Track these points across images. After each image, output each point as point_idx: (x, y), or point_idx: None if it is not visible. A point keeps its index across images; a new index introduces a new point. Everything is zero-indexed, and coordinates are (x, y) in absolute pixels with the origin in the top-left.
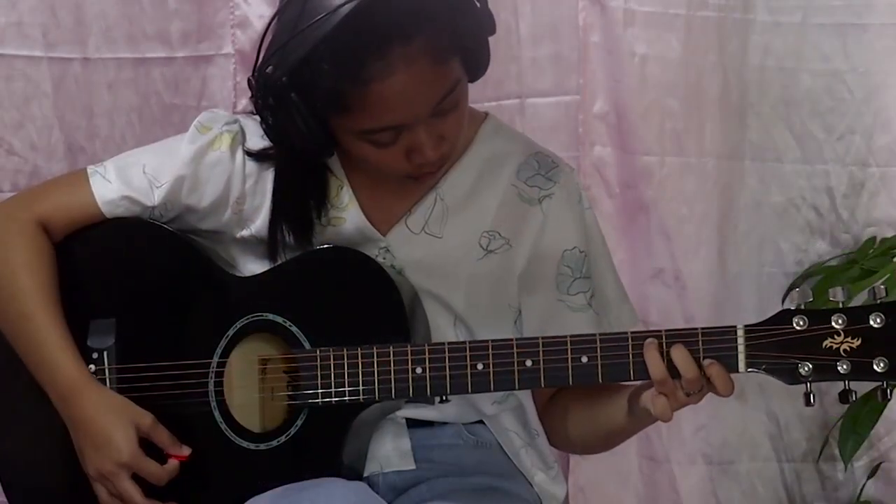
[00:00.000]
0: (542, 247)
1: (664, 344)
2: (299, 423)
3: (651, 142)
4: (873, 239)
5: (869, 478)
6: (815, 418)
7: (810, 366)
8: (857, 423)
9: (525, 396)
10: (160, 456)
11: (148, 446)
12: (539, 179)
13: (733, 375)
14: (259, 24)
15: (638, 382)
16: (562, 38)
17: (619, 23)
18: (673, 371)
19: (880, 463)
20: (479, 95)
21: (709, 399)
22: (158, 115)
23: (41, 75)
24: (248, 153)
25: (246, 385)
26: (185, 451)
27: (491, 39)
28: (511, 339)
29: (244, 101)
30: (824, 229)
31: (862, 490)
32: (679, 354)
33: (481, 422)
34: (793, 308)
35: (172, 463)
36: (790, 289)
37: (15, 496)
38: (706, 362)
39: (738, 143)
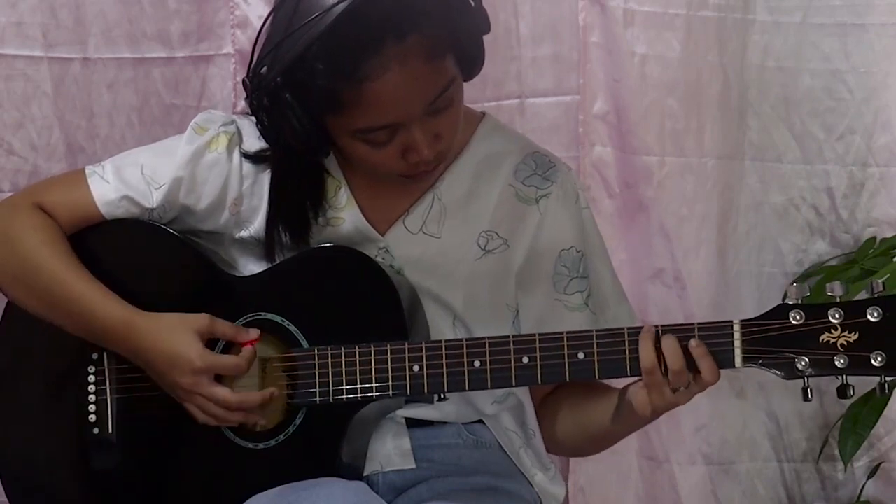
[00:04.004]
0: (539, 246)
1: (662, 363)
2: (298, 422)
3: (651, 142)
4: (873, 239)
5: (869, 478)
6: (815, 418)
7: (807, 360)
8: (857, 423)
9: (525, 395)
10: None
11: None
12: (536, 179)
13: (732, 371)
14: (259, 25)
15: (633, 379)
16: (562, 38)
17: (619, 23)
18: (663, 365)
19: (880, 463)
20: (478, 95)
21: (709, 399)
22: (158, 115)
23: (41, 75)
24: (245, 154)
25: (245, 384)
26: (254, 333)
27: (491, 39)
28: (508, 337)
29: (244, 102)
30: (824, 229)
31: (862, 490)
32: (668, 343)
33: (481, 421)
34: (790, 303)
35: (247, 349)
36: None
37: (15, 495)
38: (692, 343)
39: (738, 143)
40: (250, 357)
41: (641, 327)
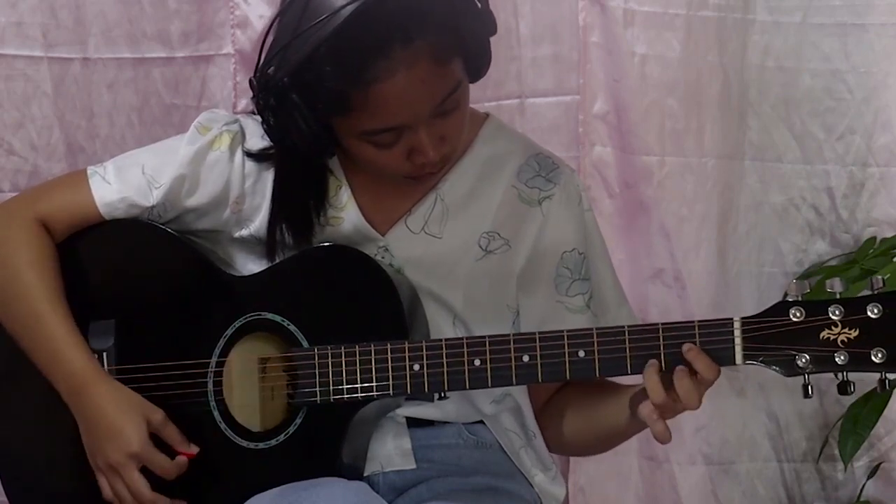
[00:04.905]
0: (541, 247)
1: (662, 353)
2: (298, 421)
3: (651, 142)
4: (873, 239)
5: (869, 478)
6: (815, 418)
7: (808, 357)
8: (857, 423)
9: (523, 397)
10: (168, 454)
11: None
12: (539, 181)
13: (732, 370)
14: (259, 24)
15: (636, 377)
16: (562, 38)
17: (619, 23)
18: (671, 387)
19: (880, 463)
20: (479, 95)
21: (709, 399)
22: (158, 115)
23: (41, 75)
24: (248, 153)
25: (245, 384)
26: (194, 449)
27: (491, 39)
28: (508, 335)
29: (244, 101)
30: (824, 229)
31: (862, 490)
32: (681, 384)
33: (482, 422)
34: (790, 300)
35: (181, 458)
36: None
37: (15, 495)
38: (684, 348)
39: (738, 143)
40: (181, 467)
41: (642, 325)
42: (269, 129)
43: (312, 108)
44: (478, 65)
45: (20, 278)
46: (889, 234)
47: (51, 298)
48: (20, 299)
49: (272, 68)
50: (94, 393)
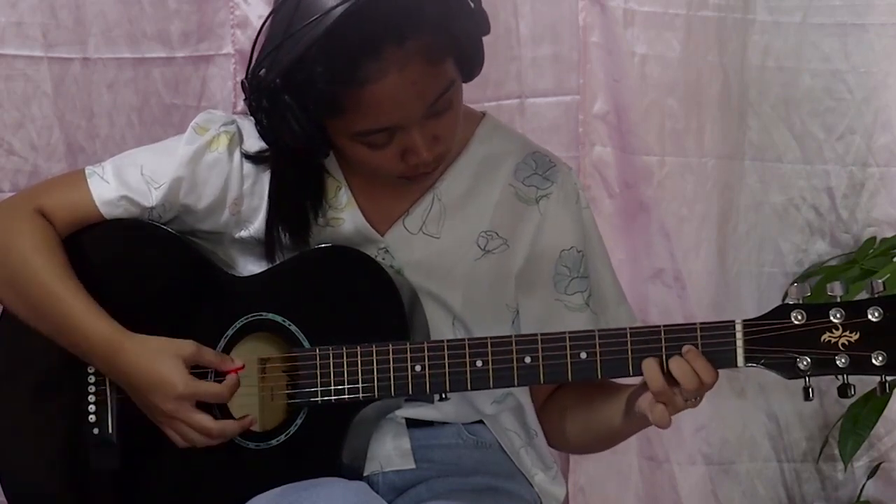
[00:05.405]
0: (539, 246)
1: (664, 355)
2: (299, 422)
3: (651, 142)
4: (873, 239)
5: (869, 478)
6: (815, 418)
7: (809, 360)
8: (857, 423)
9: (524, 396)
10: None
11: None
12: (536, 179)
13: (732, 371)
14: (259, 25)
15: (637, 379)
16: (562, 38)
17: (619, 23)
18: (671, 380)
19: (880, 463)
20: (479, 95)
21: (709, 399)
22: (158, 115)
23: (41, 75)
24: (246, 154)
25: (245, 385)
26: (238, 363)
27: (491, 39)
28: (510, 336)
29: (244, 102)
30: (824, 229)
31: (862, 490)
32: (678, 367)
33: (481, 422)
34: (791, 302)
35: (231, 377)
36: None
37: (15, 496)
38: (684, 349)
39: (738, 143)
40: (233, 386)
41: (644, 326)
42: (262, 131)
43: (305, 109)
44: (471, 64)
45: (28, 264)
46: (889, 234)
47: (61, 276)
48: (32, 283)
49: (264, 70)
50: (123, 353)
